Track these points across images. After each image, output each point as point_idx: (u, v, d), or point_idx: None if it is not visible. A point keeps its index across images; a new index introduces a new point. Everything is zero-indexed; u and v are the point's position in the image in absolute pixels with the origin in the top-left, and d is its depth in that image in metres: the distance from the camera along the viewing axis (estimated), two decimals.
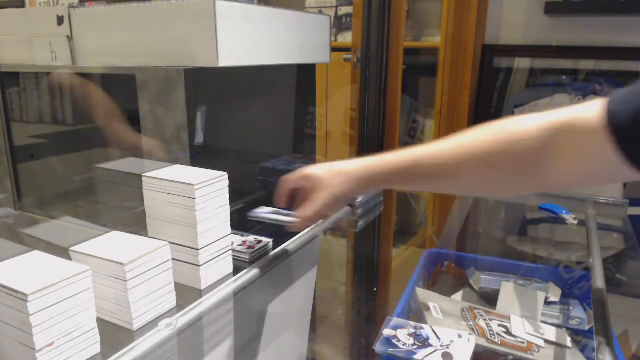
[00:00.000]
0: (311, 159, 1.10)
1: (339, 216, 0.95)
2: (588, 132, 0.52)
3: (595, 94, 1.54)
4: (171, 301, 0.58)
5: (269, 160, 1.01)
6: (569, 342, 0.78)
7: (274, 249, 0.76)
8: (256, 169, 0.98)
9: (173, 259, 0.58)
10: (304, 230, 0.71)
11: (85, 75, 0.87)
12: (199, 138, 0.76)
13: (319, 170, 0.70)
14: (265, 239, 0.75)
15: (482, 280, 0.94)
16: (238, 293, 0.65)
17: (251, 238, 0.75)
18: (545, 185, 0.60)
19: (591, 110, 0.52)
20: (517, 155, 0.58)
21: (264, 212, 0.83)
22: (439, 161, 0.62)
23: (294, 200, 0.73)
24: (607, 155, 0.50)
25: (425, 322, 0.79)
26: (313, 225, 0.87)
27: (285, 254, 0.76)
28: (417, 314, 0.85)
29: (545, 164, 0.56)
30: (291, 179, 0.73)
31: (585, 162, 0.54)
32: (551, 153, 0.55)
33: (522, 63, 1.67)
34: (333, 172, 0.69)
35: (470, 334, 0.73)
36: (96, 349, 0.50)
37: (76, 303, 0.47)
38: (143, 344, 0.51)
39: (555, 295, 0.90)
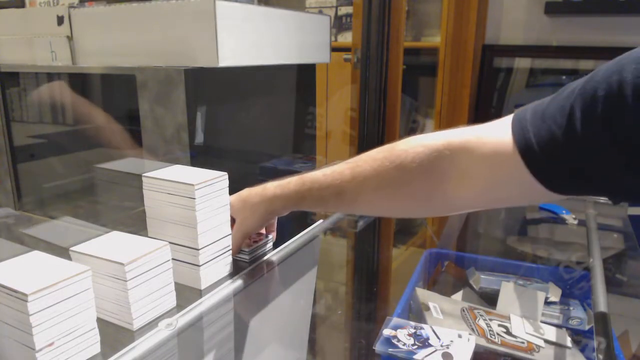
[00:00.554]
0: (311, 159, 1.10)
1: (339, 216, 0.95)
2: (496, 156, 0.50)
3: None
4: (171, 301, 0.58)
5: (269, 160, 1.01)
6: (569, 342, 0.78)
7: (273, 248, 0.76)
8: (256, 169, 0.98)
9: (173, 259, 0.58)
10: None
11: (85, 76, 0.87)
12: (199, 138, 0.76)
13: (234, 202, 0.70)
14: (265, 235, 0.75)
15: (482, 280, 0.94)
16: (238, 293, 0.65)
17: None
18: (449, 207, 0.59)
19: (497, 133, 0.50)
20: (409, 177, 0.56)
21: None
22: (338, 188, 0.62)
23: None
24: (517, 178, 0.48)
25: (425, 322, 0.79)
26: (314, 225, 0.87)
27: (285, 254, 0.76)
28: (417, 314, 0.85)
29: (443, 186, 0.54)
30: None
31: (493, 184, 0.52)
32: (448, 175, 0.53)
33: (522, 63, 1.67)
34: (243, 206, 0.70)
35: (470, 334, 0.74)
36: (96, 349, 0.50)
37: (76, 303, 0.47)
38: (143, 344, 0.51)
39: (555, 295, 0.90)
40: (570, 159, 0.45)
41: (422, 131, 2.00)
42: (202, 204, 0.60)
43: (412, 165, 0.55)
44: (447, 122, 1.67)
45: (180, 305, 0.59)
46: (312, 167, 1.05)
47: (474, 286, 0.94)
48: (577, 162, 0.45)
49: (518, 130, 0.49)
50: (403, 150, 0.57)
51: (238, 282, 0.66)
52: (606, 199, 0.50)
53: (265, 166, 1.00)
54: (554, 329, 0.81)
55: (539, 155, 0.47)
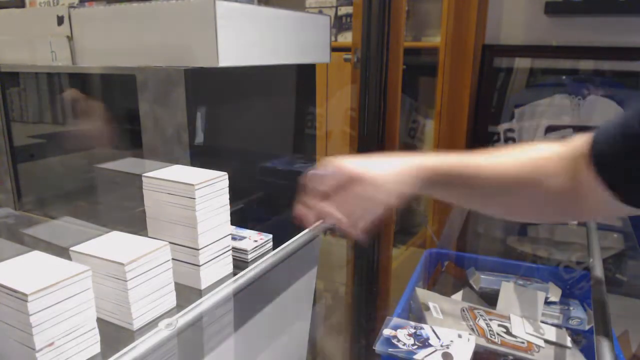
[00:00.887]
0: (311, 159, 1.10)
1: None
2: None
3: (596, 93, 1.54)
4: (171, 301, 0.58)
5: (269, 160, 1.01)
6: (569, 342, 0.78)
7: (273, 248, 0.76)
8: (256, 169, 0.98)
9: (173, 259, 0.58)
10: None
11: (85, 76, 0.87)
12: (199, 138, 0.76)
13: (369, 170, 0.59)
14: (265, 235, 0.75)
15: (482, 280, 0.94)
16: (238, 293, 0.65)
17: (253, 233, 0.75)
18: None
19: (580, 146, 0.52)
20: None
21: None
22: (500, 172, 0.58)
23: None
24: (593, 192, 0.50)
25: (425, 322, 0.79)
26: (313, 226, 0.87)
27: (285, 254, 0.76)
28: (417, 314, 0.85)
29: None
30: (327, 181, 0.61)
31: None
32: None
33: (522, 63, 1.67)
34: (386, 173, 0.59)
35: (470, 334, 0.73)
36: (96, 349, 0.50)
37: (76, 303, 0.47)
38: (143, 344, 0.51)
39: (555, 295, 0.90)
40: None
41: (422, 131, 2.00)
42: (202, 204, 0.60)
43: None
44: (447, 122, 1.67)
45: (180, 305, 0.59)
46: (312, 167, 1.05)
47: (474, 286, 0.94)
48: None
49: (596, 146, 0.51)
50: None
51: (238, 282, 0.66)
52: None
53: (265, 166, 1.00)
54: (554, 329, 0.81)
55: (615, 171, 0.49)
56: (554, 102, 1.59)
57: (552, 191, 0.55)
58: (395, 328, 0.74)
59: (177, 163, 0.70)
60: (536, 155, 0.58)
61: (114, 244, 0.56)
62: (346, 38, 1.88)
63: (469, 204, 0.70)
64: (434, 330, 0.74)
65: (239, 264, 0.70)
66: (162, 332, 0.53)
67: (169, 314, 0.57)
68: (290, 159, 1.06)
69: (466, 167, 0.59)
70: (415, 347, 0.70)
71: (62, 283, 0.45)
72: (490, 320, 0.82)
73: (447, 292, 0.94)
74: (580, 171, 0.52)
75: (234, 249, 0.70)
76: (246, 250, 0.71)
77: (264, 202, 0.98)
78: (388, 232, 1.32)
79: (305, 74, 1.05)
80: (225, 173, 0.64)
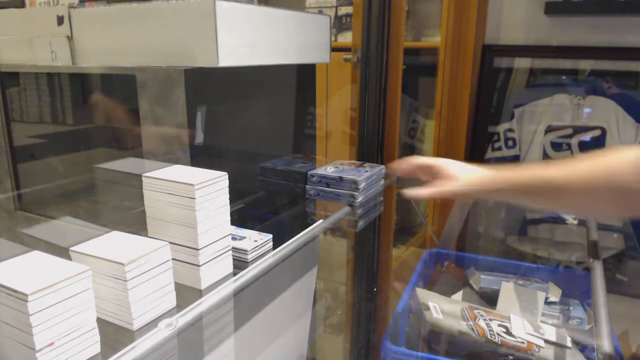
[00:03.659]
0: (311, 159, 1.10)
1: (339, 216, 0.95)
2: None
3: (596, 93, 1.54)
4: (171, 301, 0.58)
5: (269, 160, 1.01)
6: (569, 342, 0.78)
7: (273, 248, 0.76)
8: (256, 169, 0.98)
9: (173, 259, 0.58)
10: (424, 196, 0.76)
11: (85, 76, 0.87)
12: (199, 138, 0.76)
13: (456, 167, 0.75)
14: (265, 235, 0.75)
15: (482, 280, 0.94)
16: (238, 293, 0.65)
17: (253, 233, 0.75)
18: None
19: None
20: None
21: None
22: (567, 184, 0.64)
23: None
24: None
25: (425, 322, 0.79)
26: (314, 225, 0.87)
27: (285, 254, 0.76)
28: (417, 314, 0.85)
29: None
30: (427, 160, 0.78)
31: None
32: None
33: (522, 63, 1.67)
34: (467, 175, 0.73)
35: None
36: (96, 349, 0.50)
37: (76, 303, 0.47)
38: (143, 344, 0.51)
39: (555, 295, 0.90)
40: None
41: (422, 131, 2.00)
42: (202, 204, 0.60)
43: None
44: (447, 122, 1.67)
45: (180, 305, 0.59)
46: (312, 167, 1.05)
47: (474, 286, 0.94)
48: None
49: None
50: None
51: (238, 282, 0.66)
52: None
53: (265, 166, 1.00)
54: (554, 329, 0.81)
55: None
56: (554, 102, 1.59)
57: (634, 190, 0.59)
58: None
59: (177, 163, 0.70)
60: (612, 159, 0.62)
61: (114, 244, 0.56)
62: (346, 38, 1.88)
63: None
64: None
65: (239, 264, 0.70)
66: (162, 332, 0.53)
67: (169, 314, 0.57)
68: (290, 159, 1.06)
69: (545, 182, 0.66)
70: None
71: (62, 283, 0.45)
72: (490, 320, 0.82)
73: (447, 292, 0.93)
74: None
75: (234, 249, 0.70)
76: (246, 250, 0.71)
77: (264, 202, 0.98)
78: (388, 232, 1.32)
79: (305, 74, 1.05)
80: (225, 173, 0.64)
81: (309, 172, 1.03)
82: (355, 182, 0.99)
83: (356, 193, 0.99)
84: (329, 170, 1.04)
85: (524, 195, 0.70)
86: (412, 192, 0.75)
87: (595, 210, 0.70)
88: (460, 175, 0.73)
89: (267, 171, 1.00)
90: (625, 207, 0.62)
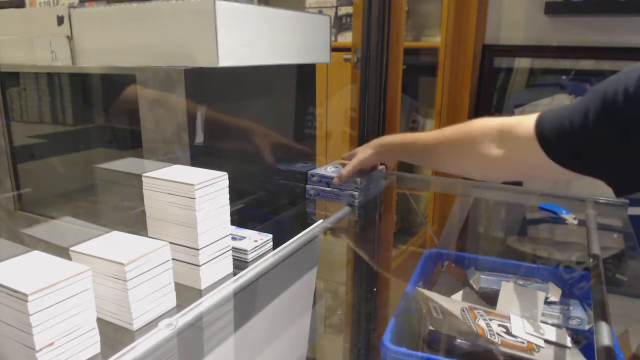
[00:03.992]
0: (311, 159, 1.10)
1: (339, 216, 0.95)
2: (525, 138, 0.69)
3: None
4: (171, 301, 0.58)
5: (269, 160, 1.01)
6: (569, 342, 0.78)
7: (273, 248, 0.76)
8: (256, 169, 0.98)
9: (173, 259, 0.58)
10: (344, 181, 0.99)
11: (85, 76, 0.87)
12: (199, 138, 0.76)
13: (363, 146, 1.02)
14: (265, 235, 0.75)
15: (482, 280, 0.94)
16: (238, 293, 0.65)
17: (253, 233, 0.75)
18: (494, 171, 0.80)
19: (527, 122, 0.69)
20: (478, 146, 0.77)
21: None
22: (426, 142, 0.87)
23: None
24: (534, 154, 0.67)
25: (425, 322, 0.79)
26: (314, 225, 0.87)
27: (285, 254, 0.76)
28: (417, 313, 0.85)
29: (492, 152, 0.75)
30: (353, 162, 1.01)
31: (518, 157, 0.72)
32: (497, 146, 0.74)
33: (522, 63, 1.67)
34: (369, 143, 1.01)
35: None
36: (96, 349, 0.50)
37: (76, 303, 0.47)
38: (143, 344, 0.51)
39: (555, 295, 0.90)
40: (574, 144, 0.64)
41: (422, 131, 2.00)
42: (202, 204, 0.60)
43: (482, 138, 0.77)
44: (447, 122, 1.67)
45: (180, 305, 0.59)
46: (312, 167, 1.05)
47: (474, 286, 0.94)
48: (578, 147, 0.64)
49: (540, 123, 0.68)
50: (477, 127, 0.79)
51: (238, 282, 0.66)
52: (606, 198, 0.64)
53: (266, 166, 1.00)
54: (554, 329, 0.81)
55: (553, 141, 0.66)
56: (554, 102, 1.59)
57: (483, 153, 0.75)
58: None
59: (177, 163, 0.70)
60: (470, 125, 0.79)
61: (114, 244, 0.56)
62: (346, 38, 1.88)
63: (422, 164, 1.32)
64: None
65: (239, 264, 0.70)
66: (162, 332, 0.53)
67: (169, 314, 0.57)
68: (290, 158, 1.06)
69: (420, 144, 0.89)
70: None
71: (62, 283, 0.45)
72: (490, 320, 0.82)
73: (447, 292, 0.93)
74: (520, 139, 0.70)
75: (234, 249, 0.70)
76: (246, 250, 0.71)
77: (264, 202, 0.98)
78: (388, 232, 1.32)
79: (305, 74, 1.05)
80: (225, 173, 0.64)
81: (309, 172, 1.03)
82: (355, 182, 0.99)
83: (356, 193, 0.99)
84: (329, 170, 1.04)
85: (406, 155, 0.94)
86: (337, 177, 0.98)
87: (461, 169, 0.85)
88: (362, 148, 0.99)
89: (267, 171, 1.00)
90: (484, 170, 0.79)
